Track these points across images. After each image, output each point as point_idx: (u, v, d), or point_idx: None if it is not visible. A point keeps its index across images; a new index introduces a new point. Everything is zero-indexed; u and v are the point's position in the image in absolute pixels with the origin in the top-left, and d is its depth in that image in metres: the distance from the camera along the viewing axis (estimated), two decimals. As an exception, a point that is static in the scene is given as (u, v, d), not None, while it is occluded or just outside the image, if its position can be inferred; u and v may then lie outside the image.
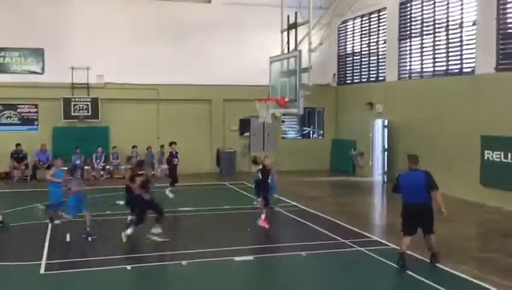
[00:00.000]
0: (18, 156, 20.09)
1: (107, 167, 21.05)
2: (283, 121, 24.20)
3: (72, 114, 20.95)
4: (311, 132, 25.76)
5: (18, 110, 21.03)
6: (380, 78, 21.54)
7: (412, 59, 19.69)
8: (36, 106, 21.14)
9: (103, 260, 10.07)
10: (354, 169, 22.75)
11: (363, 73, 22.97)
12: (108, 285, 8.92)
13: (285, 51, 15.04)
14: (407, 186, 9.90)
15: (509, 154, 14.94)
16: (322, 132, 25.02)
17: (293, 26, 15.94)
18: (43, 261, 9.94)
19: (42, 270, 9.52)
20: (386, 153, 20.46)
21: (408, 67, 19.96)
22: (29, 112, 21.13)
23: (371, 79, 22.33)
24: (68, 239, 11.64)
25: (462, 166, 16.39)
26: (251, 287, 9.04)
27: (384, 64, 21.16)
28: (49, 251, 10.59)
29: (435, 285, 8.74)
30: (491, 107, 15.66)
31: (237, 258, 10.08)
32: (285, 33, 16.55)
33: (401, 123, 19.72)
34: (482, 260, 10.44)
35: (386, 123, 20.43)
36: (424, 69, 19.10)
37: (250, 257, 10.26)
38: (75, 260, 10.22)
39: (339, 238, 11.76)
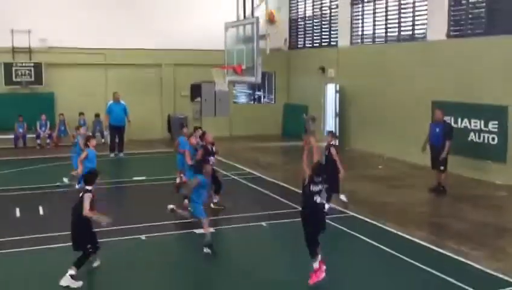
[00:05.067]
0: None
1: (53, 134, 20.25)
2: (234, 86, 23.91)
3: (14, 80, 19.92)
4: (262, 97, 25.62)
5: (-47, 76, 19.84)
6: (332, 43, 21.50)
7: (365, 24, 19.70)
8: (-27, 70, 19.98)
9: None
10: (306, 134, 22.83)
11: (315, 38, 22.85)
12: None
13: (241, 16, 14.66)
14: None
15: (459, 120, 15.33)
16: (273, 97, 24.93)
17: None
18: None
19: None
20: (337, 118, 20.62)
21: (360, 33, 19.98)
22: (-35, 78, 19.96)
23: (323, 44, 22.27)
24: (18, 214, 11.16)
25: (413, 131, 16.69)
26: (215, 262, 8.93)
27: (337, 29, 21.10)
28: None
29: (390, 250, 8.94)
30: (442, 73, 15.94)
31: (197, 231, 9.95)
32: (240, -4, 16.12)
33: (353, 88, 19.86)
34: (436, 226, 10.77)
35: (337, 88, 20.51)
36: (377, 35, 19.16)
37: (210, 229, 10.10)
38: (31, 237, 9.63)
39: (298, 207, 11.79)
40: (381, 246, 9.26)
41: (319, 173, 7.77)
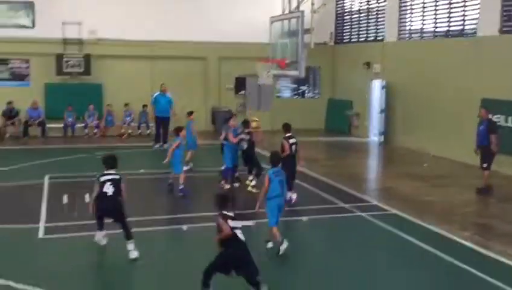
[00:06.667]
0: (10, 114, 19.68)
1: (100, 124, 20.72)
2: (278, 80, 23.84)
3: (64, 70, 20.47)
4: (306, 91, 25.48)
5: (9, 66, 20.51)
6: (379, 38, 21.15)
7: (413, 19, 19.30)
8: (27, 61, 20.61)
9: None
10: (350, 129, 22.65)
11: (361, 32, 22.55)
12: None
13: (286, 10, 14.60)
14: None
15: (510, 119, 14.85)
16: (317, 91, 24.76)
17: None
18: (42, 224, 9.78)
19: (41, 234, 9.39)
20: (382, 114, 20.32)
21: (408, 28, 19.58)
22: (20, 68, 20.62)
23: (369, 38, 21.95)
24: (65, 201, 11.48)
25: (461, 129, 16.28)
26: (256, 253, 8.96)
27: (383, 24, 20.75)
28: (48, 213, 10.41)
29: (437, 251, 8.76)
30: (493, 70, 15.45)
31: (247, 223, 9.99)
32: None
33: (399, 84, 19.50)
34: (482, 226, 10.48)
35: (383, 84, 20.20)
36: (425, 30, 18.75)
37: (250, 223, 10.07)
38: (76, 223, 9.85)
39: (339, 203, 11.73)
40: (424, 246, 9.08)
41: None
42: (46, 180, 12.98)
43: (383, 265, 8.46)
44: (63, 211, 10.61)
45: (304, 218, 10.59)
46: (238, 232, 6.74)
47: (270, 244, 8.76)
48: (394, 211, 11.15)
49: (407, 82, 19.13)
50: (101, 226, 8.47)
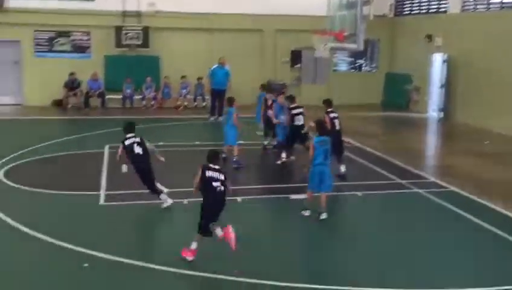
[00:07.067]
0: (72, 85, 20.27)
1: (157, 96, 21.05)
2: (335, 53, 23.44)
3: (123, 43, 20.83)
4: (363, 65, 24.95)
5: (71, 38, 21.07)
6: (441, 10, 20.37)
7: (479, -11, 18.47)
8: (88, 33, 21.09)
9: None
10: (408, 104, 22.08)
11: (422, 3, 21.77)
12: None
13: (345, -20, 14.26)
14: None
15: None
16: (375, 65, 24.21)
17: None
18: (102, 192, 10.11)
19: (102, 201, 9.71)
20: (443, 89, 19.69)
21: (473, -1, 18.77)
22: (81, 40, 21.14)
23: (431, 10, 21.17)
24: (125, 169, 11.76)
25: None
26: (312, 225, 8.97)
27: (447, -5, 19.94)
28: (108, 182, 10.72)
29: (497, 230, 8.49)
30: None
31: (293, 196, 10.02)
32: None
33: (462, 58, 18.76)
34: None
35: (445, 58, 19.51)
36: (491, 1, 17.89)
37: (304, 195, 10.00)
38: (134, 192, 10.02)
39: (396, 179, 11.52)
40: (485, 225, 8.82)
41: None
42: (106, 149, 13.36)
43: (439, 243, 8.25)
44: (122, 180, 10.88)
45: (359, 193, 10.46)
46: (215, 183, 7.27)
47: (307, 213, 9.06)
48: (453, 188, 10.85)
49: (470, 56, 18.38)
50: (157, 191, 9.28)
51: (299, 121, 12.35)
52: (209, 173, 7.31)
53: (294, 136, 12.47)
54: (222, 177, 7.37)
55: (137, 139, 9.33)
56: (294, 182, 11.24)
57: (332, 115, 11.32)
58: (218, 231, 7.29)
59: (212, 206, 7.33)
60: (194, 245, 7.33)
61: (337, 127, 11.33)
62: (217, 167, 7.44)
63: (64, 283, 6.79)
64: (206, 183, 7.29)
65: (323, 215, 8.94)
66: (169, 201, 9.25)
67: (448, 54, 19.31)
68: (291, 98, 12.71)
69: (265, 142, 13.88)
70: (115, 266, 7.16)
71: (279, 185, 11.21)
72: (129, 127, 9.56)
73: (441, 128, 18.85)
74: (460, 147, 15.07)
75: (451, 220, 9.27)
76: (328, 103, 11.62)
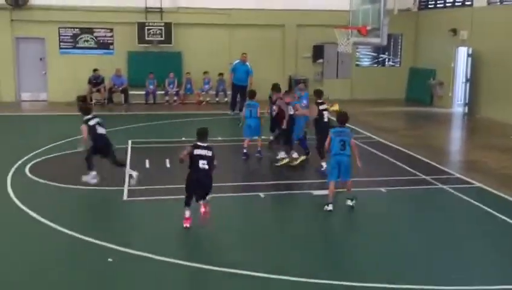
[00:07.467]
0: (96, 81, 20.47)
1: (180, 92, 21.14)
2: (357, 48, 23.26)
3: (146, 38, 20.96)
4: (386, 60, 24.71)
5: (94, 34, 21.27)
6: (467, 3, 20.03)
7: (505, -18, 18.13)
8: (111, 30, 21.27)
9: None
10: (432, 99, 21.80)
11: (447, -3, 21.46)
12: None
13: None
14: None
15: None
16: (398, 60, 23.96)
17: None
18: (126, 187, 10.18)
19: (125, 197, 9.79)
20: (467, 84, 19.40)
21: (500, -9, 18.42)
22: (105, 36, 21.33)
23: (456, 3, 20.84)
24: (147, 165, 11.88)
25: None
26: (334, 221, 8.94)
27: (473, -12, 19.60)
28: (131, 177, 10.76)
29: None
30: None
31: (315, 192, 9.98)
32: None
33: (488, 53, 18.44)
34: None
35: (470, 52, 19.21)
36: (518, -7, 17.56)
37: (326, 191, 9.90)
38: (157, 187, 10.24)
39: (420, 174, 11.39)
40: (510, 221, 8.67)
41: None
42: (130, 145, 13.46)
43: (464, 238, 8.15)
44: (145, 175, 10.95)
45: (383, 189, 10.37)
46: (201, 162, 7.91)
47: (329, 207, 9.02)
48: (478, 184, 10.70)
49: (495, 50, 18.06)
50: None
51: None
52: (197, 151, 7.97)
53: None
54: (210, 153, 7.99)
55: (99, 120, 10.31)
56: (315, 178, 11.17)
57: (322, 106, 11.31)
58: (201, 208, 7.95)
59: (193, 182, 8.01)
60: (187, 213, 8.15)
61: (325, 120, 11.27)
62: (205, 144, 8.07)
63: (89, 277, 6.87)
64: (192, 161, 7.96)
65: (351, 202, 9.09)
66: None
67: (473, 48, 19.01)
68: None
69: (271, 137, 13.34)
70: (139, 261, 7.22)
71: (300, 181, 11.15)
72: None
73: (465, 123, 18.59)
74: (485, 142, 14.84)
75: (477, 216, 9.15)
76: (318, 93, 11.65)
